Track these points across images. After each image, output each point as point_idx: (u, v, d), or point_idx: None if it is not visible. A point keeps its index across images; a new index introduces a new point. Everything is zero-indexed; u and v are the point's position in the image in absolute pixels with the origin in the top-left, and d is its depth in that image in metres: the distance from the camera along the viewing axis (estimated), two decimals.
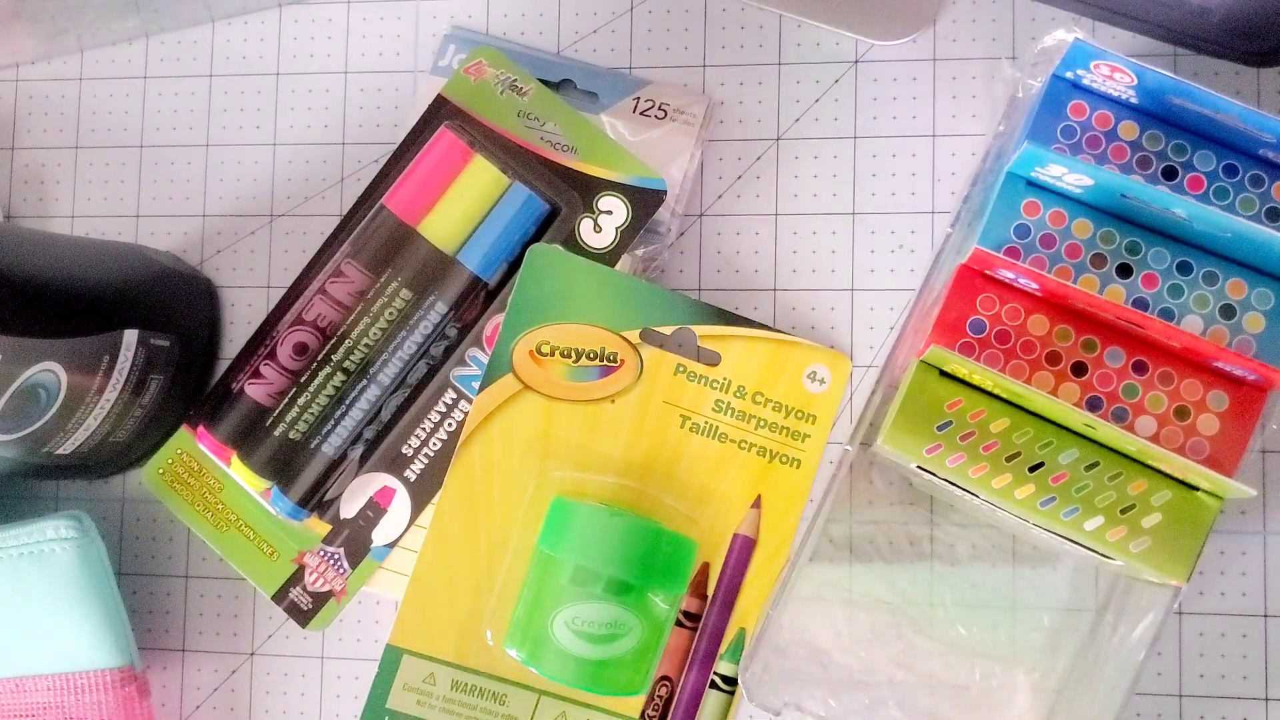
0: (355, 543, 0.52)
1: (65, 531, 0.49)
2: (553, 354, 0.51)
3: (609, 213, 0.52)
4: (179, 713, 0.55)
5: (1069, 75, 0.46)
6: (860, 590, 0.50)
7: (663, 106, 0.53)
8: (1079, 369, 0.47)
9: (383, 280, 0.51)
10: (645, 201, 0.52)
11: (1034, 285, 0.46)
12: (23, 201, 0.58)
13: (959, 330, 0.47)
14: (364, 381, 0.51)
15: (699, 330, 0.51)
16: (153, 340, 0.51)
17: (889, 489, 0.50)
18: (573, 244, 0.52)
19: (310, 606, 0.52)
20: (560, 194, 0.52)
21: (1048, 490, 0.45)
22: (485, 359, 0.52)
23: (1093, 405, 0.46)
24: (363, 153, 0.56)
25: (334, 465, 0.52)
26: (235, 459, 0.51)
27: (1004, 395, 0.45)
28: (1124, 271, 0.46)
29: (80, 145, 0.58)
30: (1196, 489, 0.45)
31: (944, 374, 0.46)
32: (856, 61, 0.53)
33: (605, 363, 0.51)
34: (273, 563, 0.52)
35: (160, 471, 0.53)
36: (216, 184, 0.57)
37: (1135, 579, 0.47)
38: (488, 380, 0.51)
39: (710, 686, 0.50)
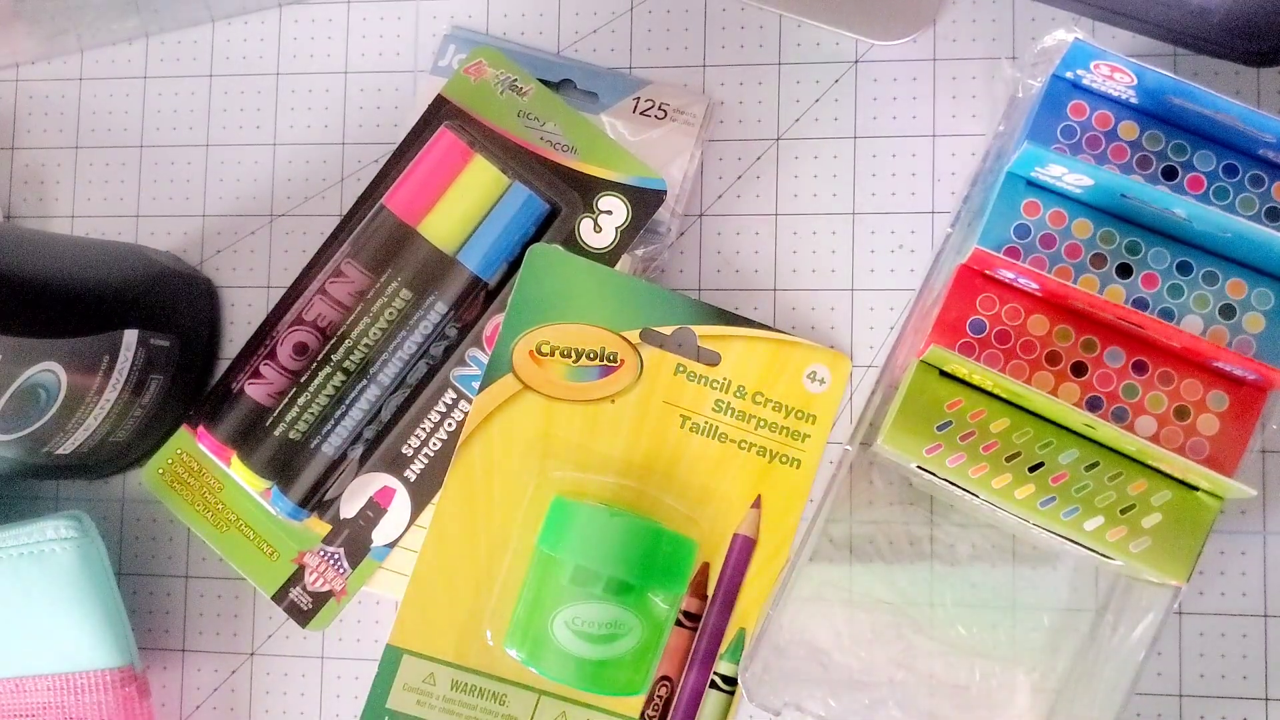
0: (355, 543, 0.52)
1: (65, 531, 0.49)
2: (553, 354, 0.51)
3: (609, 213, 0.52)
4: (179, 713, 0.55)
5: (1069, 75, 0.46)
6: (860, 590, 0.50)
7: (663, 106, 0.53)
8: (1079, 369, 0.47)
9: (383, 280, 0.51)
10: (645, 201, 0.52)
11: (1034, 285, 0.46)
12: (23, 201, 0.58)
13: (959, 330, 0.47)
14: (364, 381, 0.51)
15: (699, 330, 0.51)
16: (153, 340, 0.51)
17: (889, 489, 0.50)
18: (573, 244, 0.52)
19: (310, 606, 0.52)
20: (560, 194, 0.52)
21: (1048, 490, 0.45)
22: (485, 359, 0.52)
23: (1093, 405, 0.46)
24: (363, 153, 0.56)
25: (334, 465, 0.52)
26: (235, 459, 0.51)
27: (1004, 395, 0.45)
28: (1124, 271, 0.46)
29: (80, 145, 0.58)
30: (1196, 489, 0.45)
31: (944, 374, 0.46)
32: (856, 61, 0.53)
33: (605, 363, 0.51)
34: (273, 563, 0.52)
35: (160, 471, 0.53)
36: (216, 184, 0.57)
37: (1135, 579, 0.47)
38: (488, 380, 0.51)
39: (710, 686, 0.50)
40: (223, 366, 0.55)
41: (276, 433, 0.51)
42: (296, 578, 0.52)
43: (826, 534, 0.50)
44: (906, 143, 0.52)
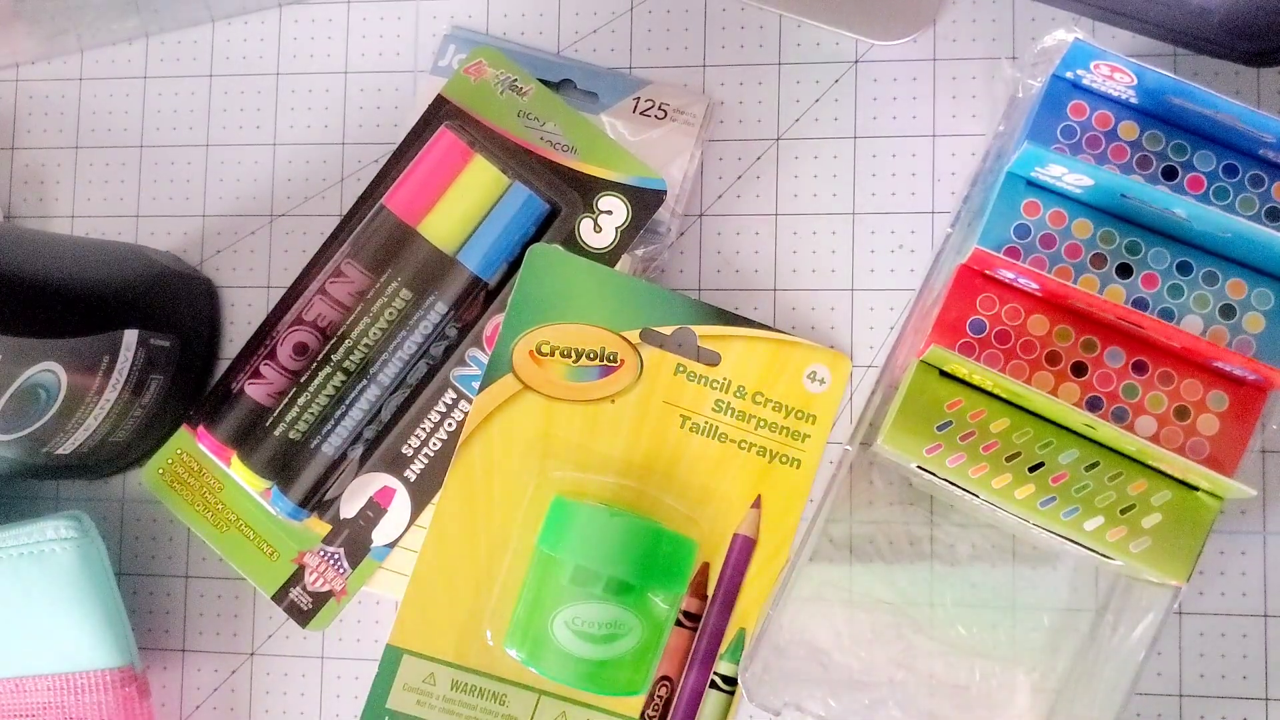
0: (355, 543, 0.52)
1: (65, 531, 0.49)
2: (553, 354, 0.51)
3: (609, 213, 0.52)
4: (179, 713, 0.55)
5: (1069, 75, 0.46)
6: (860, 590, 0.50)
7: (663, 106, 0.53)
8: (1079, 369, 0.47)
9: (383, 280, 0.51)
10: (645, 201, 0.52)
11: (1034, 285, 0.46)
12: (23, 201, 0.58)
13: (959, 330, 0.47)
14: (364, 381, 0.51)
15: (699, 330, 0.51)
16: (153, 340, 0.51)
17: (889, 489, 0.50)
18: (573, 244, 0.52)
19: (310, 606, 0.52)
20: (560, 194, 0.52)
21: (1048, 490, 0.45)
22: (485, 359, 0.52)
23: (1093, 405, 0.46)
24: (363, 153, 0.56)
25: (334, 465, 0.52)
26: (235, 459, 0.51)
27: (1004, 395, 0.45)
28: (1124, 271, 0.46)
29: (80, 145, 0.58)
30: (1196, 489, 0.45)
31: (944, 374, 0.46)
32: (856, 61, 0.53)
33: (605, 363, 0.51)
34: (273, 563, 0.52)
35: (160, 471, 0.53)
36: (216, 184, 0.57)
37: (1135, 579, 0.47)
38: (488, 380, 0.51)
39: (710, 686, 0.50)
40: (223, 366, 0.55)
41: (276, 433, 0.51)
42: (296, 578, 0.52)
43: (826, 534, 0.50)
44: (906, 143, 0.52)
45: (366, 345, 0.51)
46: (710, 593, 0.50)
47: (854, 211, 0.53)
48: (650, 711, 0.50)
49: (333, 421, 0.51)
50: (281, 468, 0.51)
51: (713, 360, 0.51)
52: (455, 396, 0.52)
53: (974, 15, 0.53)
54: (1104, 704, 0.46)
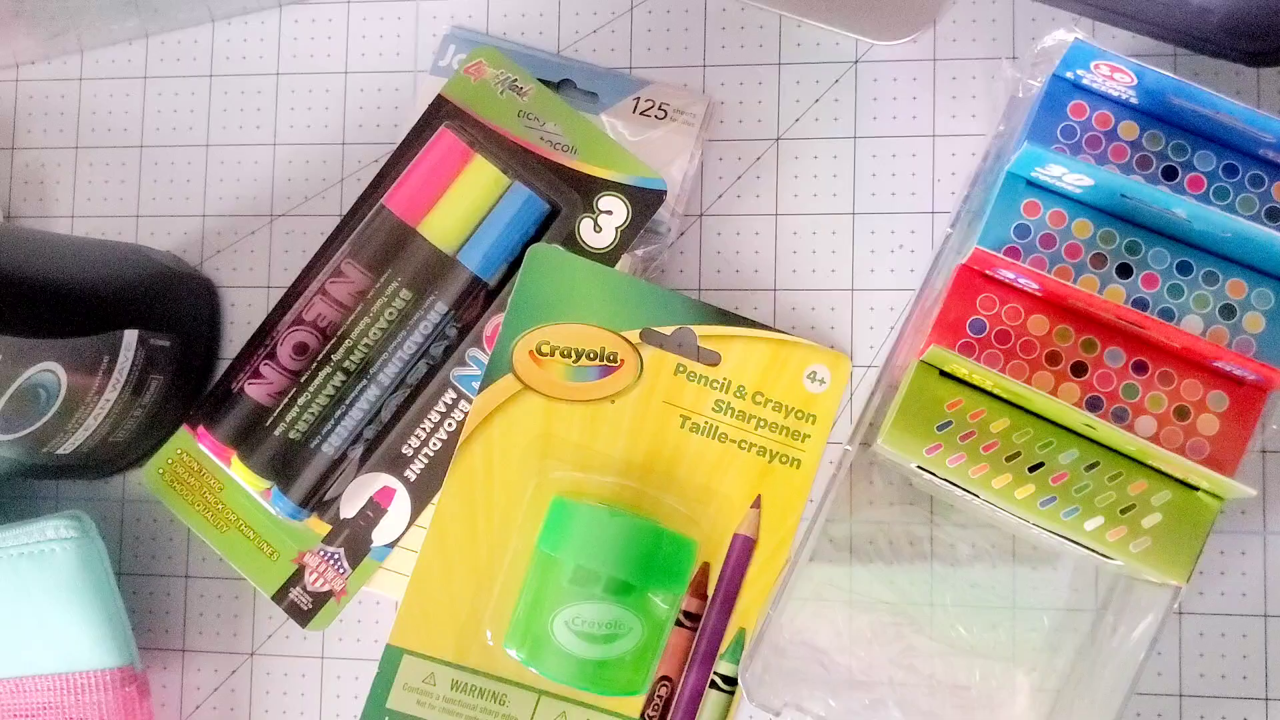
0: (355, 543, 0.52)
1: (65, 531, 0.49)
2: (553, 354, 0.51)
3: (609, 213, 0.52)
4: (179, 713, 0.55)
5: (1069, 75, 0.46)
6: (860, 590, 0.50)
7: (663, 106, 0.53)
8: (1079, 369, 0.47)
9: (383, 280, 0.51)
10: (645, 201, 0.52)
11: (1034, 285, 0.46)
12: (23, 201, 0.58)
13: (959, 330, 0.47)
14: (364, 381, 0.51)
15: (699, 330, 0.51)
16: (153, 340, 0.51)
17: (889, 489, 0.50)
18: (573, 244, 0.52)
19: (310, 606, 0.52)
20: (560, 194, 0.52)
21: (1048, 490, 0.45)
22: (485, 359, 0.52)
23: (1093, 405, 0.46)
24: (363, 153, 0.56)
25: (334, 465, 0.52)
26: (235, 459, 0.51)
27: (1004, 395, 0.45)
28: (1124, 271, 0.46)
29: (80, 145, 0.58)
30: (1196, 489, 0.45)
31: (944, 374, 0.46)
32: (856, 61, 0.53)
33: (605, 363, 0.51)
34: (273, 563, 0.52)
35: (160, 471, 0.53)
36: (216, 184, 0.57)
37: (1135, 579, 0.47)
38: (488, 380, 0.51)
39: (710, 686, 0.50)
40: (223, 366, 0.55)
41: (276, 433, 0.51)
42: (296, 578, 0.52)
43: (826, 534, 0.50)
44: (906, 143, 0.52)
45: (366, 345, 0.51)
46: (710, 593, 0.50)
47: (854, 211, 0.53)
48: (650, 711, 0.50)
49: (333, 421, 0.51)
50: (281, 468, 0.51)
51: (713, 360, 0.51)
52: (455, 396, 0.52)
53: (974, 15, 0.53)
54: (1104, 704, 0.46)
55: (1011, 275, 0.46)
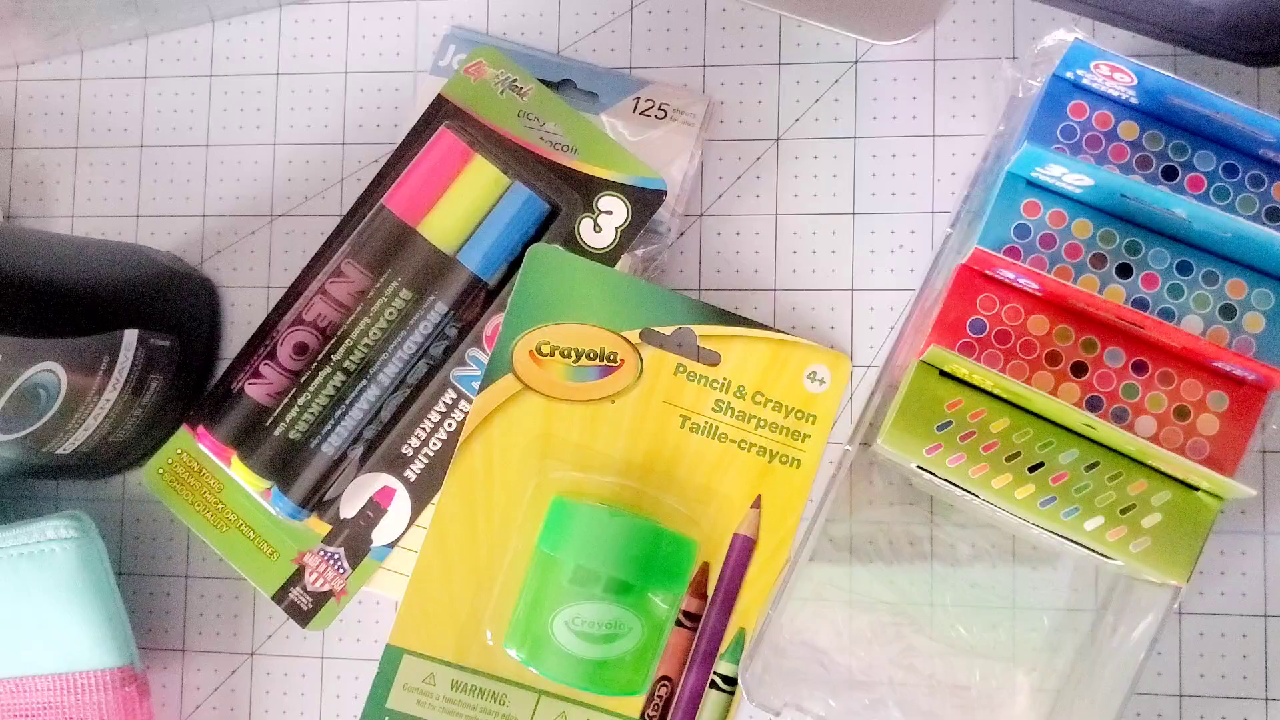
0: (355, 543, 0.52)
1: (65, 531, 0.49)
2: (553, 354, 0.51)
3: (609, 213, 0.52)
4: (179, 713, 0.55)
5: (1069, 75, 0.46)
6: (860, 590, 0.50)
7: (663, 106, 0.53)
8: (1079, 369, 0.47)
9: (383, 280, 0.51)
10: (645, 201, 0.52)
11: (1034, 285, 0.46)
12: (23, 201, 0.58)
13: (959, 330, 0.47)
14: (364, 381, 0.51)
15: (699, 330, 0.51)
16: (153, 340, 0.51)
17: (889, 489, 0.50)
18: (573, 244, 0.52)
19: (310, 606, 0.52)
20: (560, 194, 0.52)
21: (1048, 490, 0.45)
22: (485, 359, 0.52)
23: (1093, 405, 0.46)
24: (363, 153, 0.56)
25: (334, 465, 0.52)
26: (235, 459, 0.51)
27: (1004, 395, 0.45)
28: (1124, 271, 0.46)
29: (80, 145, 0.58)
30: (1196, 489, 0.45)
31: (944, 374, 0.46)
32: (856, 61, 0.53)
33: (605, 363, 0.51)
34: (273, 563, 0.52)
35: (160, 471, 0.53)
36: (216, 184, 0.57)
37: (1135, 579, 0.47)
38: (488, 380, 0.51)
39: (710, 686, 0.50)
40: (223, 366, 0.55)
41: (276, 433, 0.51)
42: (296, 578, 0.52)
43: (826, 534, 0.50)
44: (906, 143, 0.52)
45: (366, 345, 0.51)
46: (710, 593, 0.50)
47: (854, 211, 0.53)
48: (650, 711, 0.50)
49: (333, 421, 0.51)
50: (281, 468, 0.51)
51: (713, 360, 0.51)
52: (455, 396, 0.52)
53: (974, 15, 0.53)
54: (1104, 704, 0.46)
55: (1011, 275, 0.46)
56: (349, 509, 0.52)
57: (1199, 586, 0.49)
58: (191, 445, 0.53)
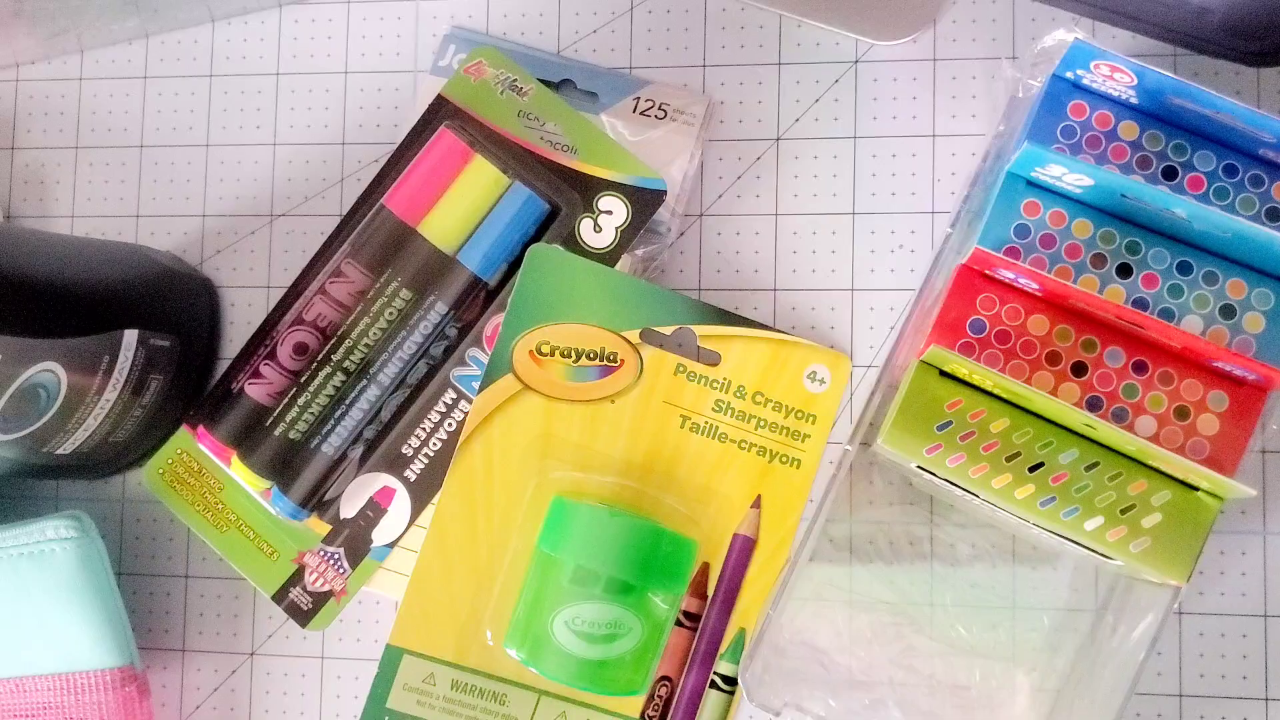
0: (355, 543, 0.52)
1: (65, 531, 0.49)
2: (553, 354, 0.51)
3: (609, 213, 0.52)
4: (179, 713, 0.55)
5: (1069, 75, 0.46)
6: (860, 590, 0.50)
7: (663, 106, 0.53)
8: (1079, 369, 0.47)
9: (383, 280, 0.51)
10: (645, 201, 0.52)
11: (1034, 285, 0.46)
12: (23, 201, 0.58)
13: (959, 330, 0.47)
14: (364, 381, 0.51)
15: (699, 330, 0.51)
16: (153, 340, 0.51)
17: (889, 489, 0.50)
18: (573, 244, 0.52)
19: (310, 606, 0.52)
20: (560, 194, 0.52)
21: (1048, 490, 0.45)
22: (485, 359, 0.52)
23: (1093, 405, 0.46)
24: (363, 153, 0.56)
25: (334, 465, 0.52)
26: (235, 459, 0.51)
27: (1004, 395, 0.45)
28: (1124, 271, 0.46)
29: (80, 145, 0.58)
30: (1196, 489, 0.45)
31: (944, 374, 0.46)
32: (856, 61, 0.53)
33: (605, 363, 0.51)
34: (273, 563, 0.52)
35: (160, 471, 0.53)
36: (216, 184, 0.57)
37: (1135, 579, 0.47)
38: (488, 380, 0.51)
39: (710, 686, 0.50)
40: (223, 366, 0.55)
41: (276, 433, 0.51)
42: (296, 578, 0.52)
43: (826, 534, 0.50)
44: (906, 143, 0.52)
45: (366, 345, 0.51)
46: (710, 593, 0.50)
47: (854, 211, 0.53)
48: (650, 711, 0.50)
49: (333, 421, 0.51)
50: (281, 468, 0.51)
51: (713, 360, 0.51)
52: (455, 396, 0.52)
53: (974, 15, 0.53)
54: (1104, 704, 0.46)
55: (1011, 275, 0.46)
56: (349, 509, 0.52)
57: (1199, 586, 0.49)
58: (191, 445, 0.53)
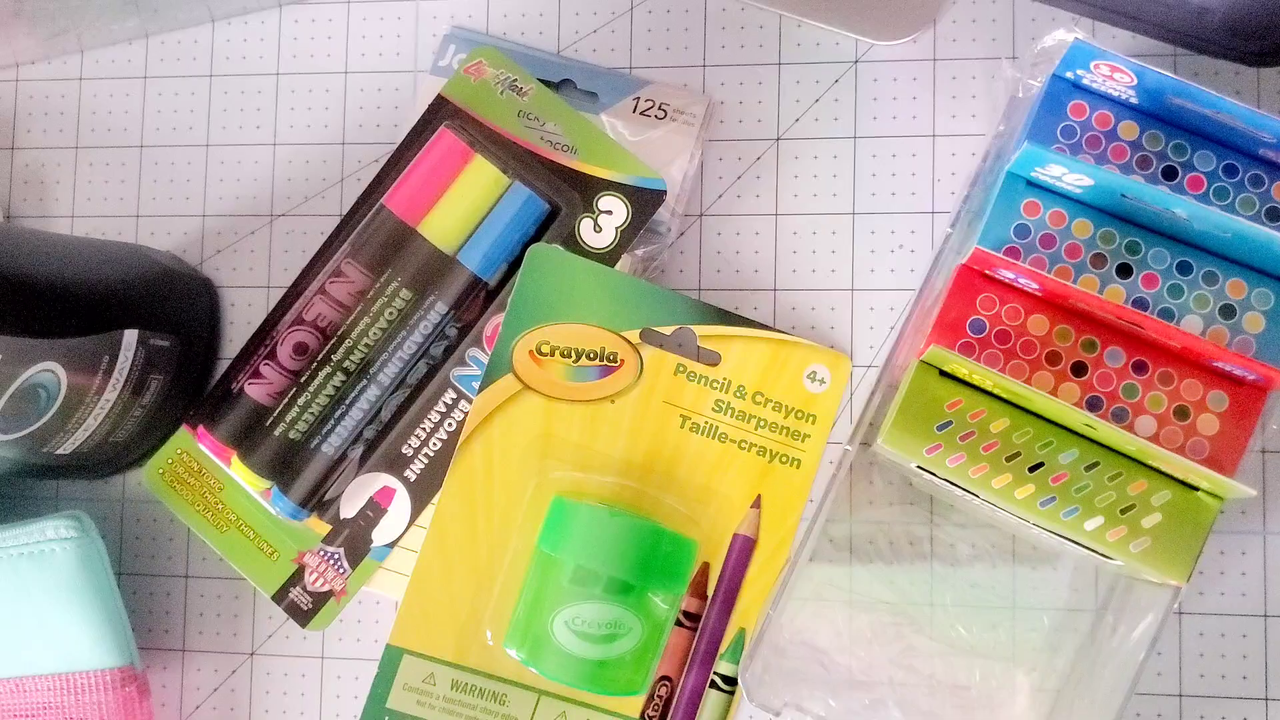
0: (355, 543, 0.52)
1: (65, 531, 0.49)
2: (553, 354, 0.51)
3: (609, 213, 0.52)
4: (179, 713, 0.55)
5: (1069, 75, 0.46)
6: (860, 590, 0.50)
7: (663, 106, 0.53)
8: (1079, 369, 0.47)
9: (383, 280, 0.51)
10: (645, 201, 0.52)
11: (1034, 285, 0.46)
12: (23, 201, 0.58)
13: (959, 330, 0.47)
14: (364, 381, 0.51)
15: (699, 330, 0.51)
16: (153, 340, 0.51)
17: (889, 489, 0.50)
18: (573, 244, 0.52)
19: (310, 606, 0.52)
20: (560, 194, 0.52)
21: (1048, 490, 0.45)
22: (485, 359, 0.52)
23: (1093, 405, 0.46)
24: (363, 153, 0.56)
25: (334, 465, 0.52)
26: (235, 459, 0.51)
27: (1004, 395, 0.45)
28: (1124, 271, 0.46)
29: (80, 145, 0.58)
30: (1196, 489, 0.45)
31: (944, 374, 0.46)
32: (856, 61, 0.53)
33: (605, 363, 0.51)
34: (273, 563, 0.52)
35: (160, 471, 0.53)
36: (216, 184, 0.57)
37: (1135, 579, 0.47)
38: (488, 380, 0.51)
39: (710, 686, 0.50)
40: (223, 366, 0.55)
41: (276, 433, 0.51)
42: (296, 578, 0.52)
43: (826, 534, 0.50)
44: (906, 143, 0.52)
45: (366, 345, 0.51)
46: (710, 593, 0.50)
47: (854, 211, 0.53)
48: (650, 711, 0.50)
49: (333, 421, 0.51)
50: (281, 468, 0.51)
51: (713, 360, 0.51)
52: (455, 396, 0.52)
53: (974, 15, 0.53)
54: (1104, 704, 0.46)
55: (1011, 275, 0.46)
56: (349, 509, 0.52)
57: (1199, 586, 0.49)
58: (191, 445, 0.53)
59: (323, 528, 0.52)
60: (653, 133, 0.53)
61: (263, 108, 0.57)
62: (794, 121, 0.53)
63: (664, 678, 0.50)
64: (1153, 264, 0.46)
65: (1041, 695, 0.48)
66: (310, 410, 0.51)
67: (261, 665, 0.54)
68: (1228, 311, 0.46)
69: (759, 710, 0.49)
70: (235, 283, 0.56)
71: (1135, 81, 0.45)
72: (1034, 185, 0.47)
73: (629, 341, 0.51)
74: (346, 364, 0.51)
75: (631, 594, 0.49)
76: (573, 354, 0.51)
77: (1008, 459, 0.45)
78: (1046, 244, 0.46)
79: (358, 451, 0.52)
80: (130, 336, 0.50)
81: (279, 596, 0.52)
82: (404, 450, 0.52)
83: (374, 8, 0.56)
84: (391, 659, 0.50)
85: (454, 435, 0.52)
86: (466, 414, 0.52)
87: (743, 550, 0.50)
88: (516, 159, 0.52)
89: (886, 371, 0.48)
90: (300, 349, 0.51)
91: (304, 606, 0.52)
